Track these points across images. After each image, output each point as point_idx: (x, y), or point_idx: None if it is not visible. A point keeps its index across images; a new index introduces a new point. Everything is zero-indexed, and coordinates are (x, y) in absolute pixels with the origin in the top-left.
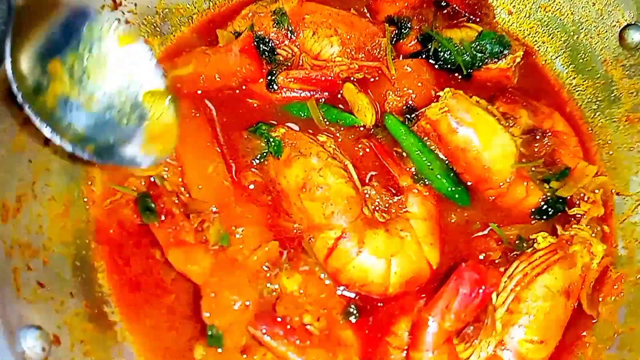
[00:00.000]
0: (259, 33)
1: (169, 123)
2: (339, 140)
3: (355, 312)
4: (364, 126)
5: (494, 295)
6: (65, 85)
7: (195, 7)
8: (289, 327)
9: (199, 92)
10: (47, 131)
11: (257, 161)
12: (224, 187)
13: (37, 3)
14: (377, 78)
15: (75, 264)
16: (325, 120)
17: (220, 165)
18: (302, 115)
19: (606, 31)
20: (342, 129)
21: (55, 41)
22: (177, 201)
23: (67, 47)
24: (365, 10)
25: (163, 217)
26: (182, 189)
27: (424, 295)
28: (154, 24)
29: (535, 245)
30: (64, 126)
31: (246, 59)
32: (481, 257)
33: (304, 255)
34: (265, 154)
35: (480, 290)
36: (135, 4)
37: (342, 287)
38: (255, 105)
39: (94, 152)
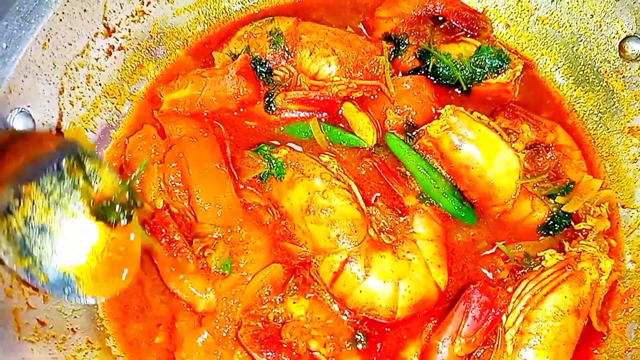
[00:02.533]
0: (256, 54)
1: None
2: (342, 159)
3: (362, 339)
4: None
5: (503, 317)
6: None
7: (190, 30)
8: (294, 353)
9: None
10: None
11: (259, 181)
12: (232, 209)
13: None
14: (376, 96)
15: None
16: (328, 140)
17: (230, 187)
18: (305, 135)
19: (605, 43)
20: (344, 149)
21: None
22: (184, 219)
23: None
24: (362, 27)
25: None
26: (188, 212)
27: (432, 318)
28: (149, 49)
29: (543, 263)
30: (22, 251)
31: (243, 82)
32: (489, 274)
33: (310, 280)
34: (267, 174)
35: (490, 314)
36: (129, 30)
37: (348, 312)
38: (253, 127)
39: (45, 283)
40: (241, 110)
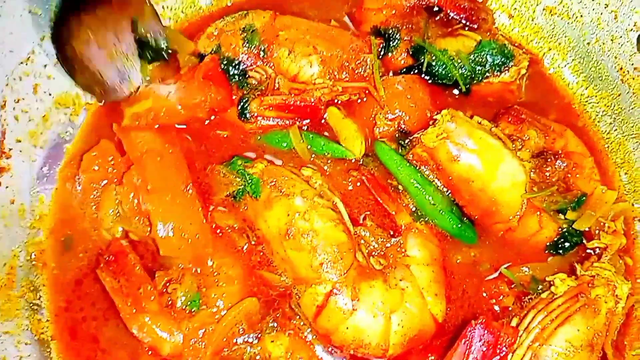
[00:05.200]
0: (227, 54)
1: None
2: (327, 173)
3: None
4: None
5: (509, 355)
6: None
7: None
8: None
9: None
10: None
11: (232, 200)
12: (200, 239)
13: None
14: (364, 99)
15: (23, 343)
16: (311, 150)
17: (198, 213)
18: (284, 146)
19: (621, 36)
20: (329, 161)
21: None
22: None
23: None
24: (347, 20)
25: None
26: (150, 241)
27: (430, 355)
28: None
29: (552, 289)
30: None
31: (211, 87)
32: (492, 301)
33: (290, 314)
34: (241, 192)
35: (495, 355)
36: None
37: (334, 350)
38: (225, 136)
39: None
40: (212, 118)
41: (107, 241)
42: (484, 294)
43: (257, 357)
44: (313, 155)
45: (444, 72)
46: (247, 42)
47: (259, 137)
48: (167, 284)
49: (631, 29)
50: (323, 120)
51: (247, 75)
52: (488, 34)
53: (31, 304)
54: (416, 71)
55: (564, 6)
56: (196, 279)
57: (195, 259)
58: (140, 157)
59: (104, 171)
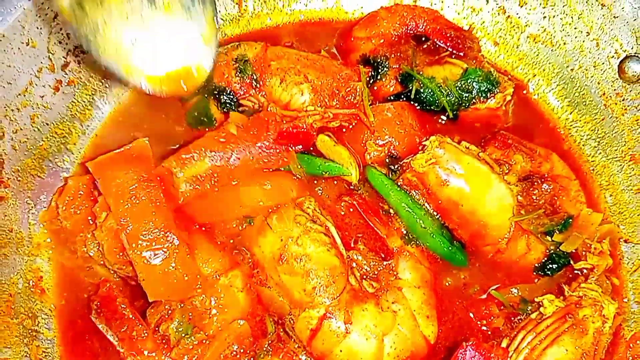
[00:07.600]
0: (220, 84)
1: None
2: (319, 195)
3: None
4: (344, 180)
5: None
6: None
7: None
8: None
9: None
10: None
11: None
12: (189, 280)
13: None
14: (354, 124)
15: None
16: (303, 169)
17: (182, 256)
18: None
19: (603, 63)
20: (320, 188)
21: None
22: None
23: None
24: (336, 52)
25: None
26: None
27: None
28: (102, 81)
29: (541, 309)
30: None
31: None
32: (481, 322)
33: (285, 337)
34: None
35: None
36: (79, 62)
37: None
38: None
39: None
40: None
41: (94, 285)
42: (471, 315)
43: None
44: (315, 182)
45: (431, 98)
46: (240, 72)
47: None
48: (159, 323)
49: (612, 56)
50: (316, 147)
51: (239, 104)
52: (474, 61)
53: (30, 331)
54: (405, 98)
55: (547, 34)
56: (187, 314)
57: (185, 299)
58: (117, 201)
59: (86, 210)
